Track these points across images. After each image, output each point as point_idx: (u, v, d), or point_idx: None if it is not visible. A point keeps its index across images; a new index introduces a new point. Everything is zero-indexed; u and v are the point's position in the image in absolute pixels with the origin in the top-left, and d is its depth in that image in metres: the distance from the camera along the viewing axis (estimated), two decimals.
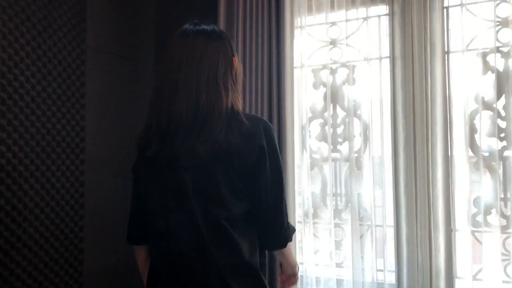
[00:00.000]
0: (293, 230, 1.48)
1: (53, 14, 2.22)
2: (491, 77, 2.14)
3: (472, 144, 2.15)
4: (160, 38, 2.87)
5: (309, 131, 2.51)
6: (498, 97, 2.13)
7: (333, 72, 2.45)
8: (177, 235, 1.36)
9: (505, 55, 2.12)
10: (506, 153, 2.11)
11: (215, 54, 1.36)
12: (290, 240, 1.47)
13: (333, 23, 2.46)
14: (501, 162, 2.11)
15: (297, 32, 2.48)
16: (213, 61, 1.36)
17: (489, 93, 2.14)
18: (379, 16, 2.36)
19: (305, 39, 2.50)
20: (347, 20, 2.41)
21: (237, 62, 1.44)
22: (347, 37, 2.43)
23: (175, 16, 2.83)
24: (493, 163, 2.11)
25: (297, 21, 2.48)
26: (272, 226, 1.41)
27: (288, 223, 1.45)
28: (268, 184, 1.38)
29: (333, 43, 2.46)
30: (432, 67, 2.18)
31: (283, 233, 1.43)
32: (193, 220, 1.33)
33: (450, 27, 2.24)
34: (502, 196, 2.11)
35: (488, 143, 2.14)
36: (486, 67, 2.15)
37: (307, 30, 2.49)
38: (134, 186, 1.52)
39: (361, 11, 2.39)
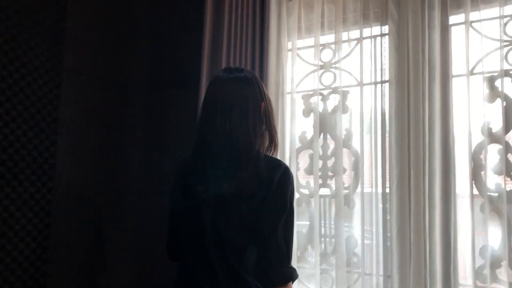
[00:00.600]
0: (296, 274, 1.47)
1: (27, 33, 2.12)
2: (499, 104, 1.84)
3: (478, 183, 1.84)
4: (147, 63, 2.73)
5: (298, 163, 2.26)
6: (508, 128, 1.82)
7: (324, 98, 2.21)
8: (193, 275, 1.47)
9: None
10: None
11: (245, 100, 1.48)
12: (292, 279, 1.45)
13: (324, 46, 2.23)
14: None
15: (286, 55, 2.26)
16: (244, 107, 1.47)
17: (497, 124, 1.83)
18: (373, 37, 2.11)
19: (294, 62, 2.28)
20: (336, 43, 2.17)
21: (266, 105, 1.52)
22: (338, 61, 2.19)
23: (162, 40, 2.69)
24: (502, 205, 1.78)
25: (286, 44, 2.26)
26: (276, 265, 1.43)
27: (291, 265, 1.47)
28: (278, 224, 1.43)
29: (324, 67, 2.23)
30: (430, 93, 1.90)
31: (284, 270, 1.44)
32: (209, 265, 1.44)
33: (452, 48, 1.96)
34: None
35: (496, 181, 1.81)
36: (494, 93, 1.85)
37: (296, 53, 2.28)
38: (168, 207, 1.62)
39: (354, 33, 2.16)
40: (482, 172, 1.84)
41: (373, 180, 2.03)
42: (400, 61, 1.97)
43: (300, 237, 2.18)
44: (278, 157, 2.13)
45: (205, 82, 2.22)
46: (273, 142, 1.56)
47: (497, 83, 1.85)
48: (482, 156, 1.85)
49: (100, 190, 2.46)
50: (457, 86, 1.92)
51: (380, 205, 1.98)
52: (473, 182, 1.84)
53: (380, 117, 2.03)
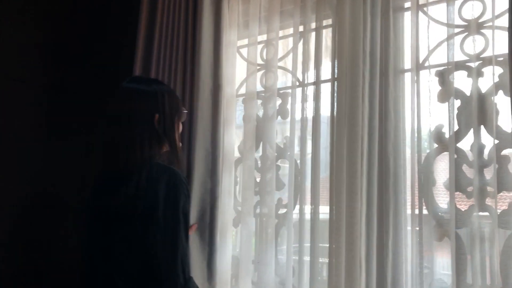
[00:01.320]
0: None
1: None
2: (454, 105, 1.49)
3: (428, 202, 1.48)
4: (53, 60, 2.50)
5: (236, 176, 1.97)
6: (463, 133, 1.47)
7: (265, 101, 1.92)
8: None
9: (473, 73, 1.47)
10: (474, 217, 1.41)
11: (134, 112, 1.45)
12: None
13: (264, 42, 1.95)
14: (470, 228, 1.42)
15: (223, 54, 1.98)
16: (132, 118, 1.44)
17: (451, 128, 1.48)
18: (314, 30, 1.79)
19: (234, 63, 2.00)
20: (271, 40, 1.88)
21: (163, 117, 1.46)
22: (281, 58, 1.91)
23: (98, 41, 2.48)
24: (457, 230, 1.42)
25: (222, 42, 1.98)
26: (166, 284, 1.31)
27: (186, 282, 1.32)
28: (161, 236, 1.32)
29: (264, 66, 1.94)
30: (371, 93, 1.57)
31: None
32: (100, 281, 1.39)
33: (399, 37, 1.63)
34: (471, 282, 1.40)
35: (448, 199, 1.46)
36: (446, 90, 1.50)
37: (236, 52, 2.00)
38: None
39: (295, 27, 1.86)
40: (434, 188, 1.49)
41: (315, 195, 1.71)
42: (340, 56, 1.66)
43: (236, 263, 1.88)
44: (209, 170, 1.88)
45: None
46: (174, 155, 1.50)
47: (451, 77, 1.50)
48: (434, 168, 1.50)
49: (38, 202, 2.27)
50: (403, 84, 1.58)
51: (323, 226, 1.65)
52: (420, 200, 1.49)
53: (320, 123, 1.71)
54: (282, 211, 1.81)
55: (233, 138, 1.95)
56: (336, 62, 1.67)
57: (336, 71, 1.66)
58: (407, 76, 1.58)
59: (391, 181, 1.48)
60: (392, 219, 1.46)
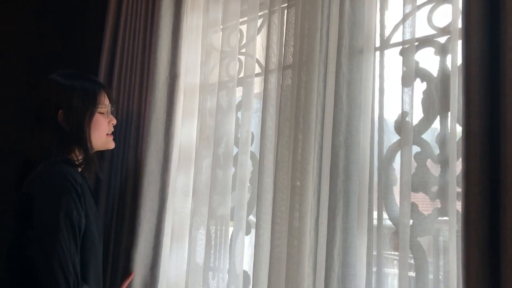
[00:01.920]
0: None
1: None
2: (419, 88, 1.25)
3: (388, 204, 1.25)
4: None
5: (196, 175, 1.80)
6: (429, 121, 1.22)
7: (229, 92, 1.74)
8: None
9: (442, 51, 1.22)
10: (439, 222, 1.17)
11: (39, 107, 1.44)
12: None
13: (228, 28, 1.76)
14: (432, 236, 1.18)
15: (183, 42, 1.81)
16: (37, 113, 1.43)
17: (417, 115, 1.24)
18: (278, 10, 1.59)
19: (196, 50, 1.83)
20: (231, 27, 1.70)
21: (69, 114, 1.40)
22: (244, 45, 1.72)
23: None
24: (418, 238, 1.18)
25: (182, 28, 1.81)
26: None
27: None
28: (36, 241, 1.23)
29: (229, 53, 1.75)
30: (325, 77, 1.36)
31: None
32: None
33: (355, 12, 1.40)
34: None
35: (412, 200, 1.21)
36: (411, 71, 1.26)
37: (195, 36, 1.83)
38: None
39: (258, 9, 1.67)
40: (395, 187, 1.25)
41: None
42: (299, 36, 1.45)
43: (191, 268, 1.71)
44: (161, 168, 1.72)
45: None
46: (85, 154, 1.43)
47: (419, 56, 1.26)
48: (394, 165, 1.26)
49: None
50: (363, 64, 1.35)
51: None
52: (383, 202, 1.26)
53: (280, 113, 1.50)
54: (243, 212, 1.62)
55: (193, 132, 1.78)
56: (293, 47, 1.47)
57: (291, 56, 1.46)
58: (367, 57, 1.35)
59: (340, 180, 1.25)
60: (340, 226, 1.23)
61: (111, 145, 1.54)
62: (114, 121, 1.54)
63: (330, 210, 1.24)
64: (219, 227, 1.68)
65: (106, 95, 1.51)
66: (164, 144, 1.70)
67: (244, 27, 1.74)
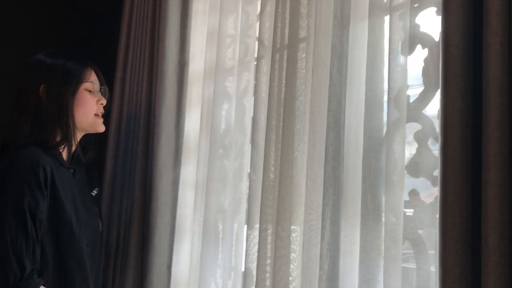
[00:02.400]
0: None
1: None
2: (420, 55, 1.07)
3: (388, 191, 1.08)
4: None
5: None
6: (429, 95, 1.04)
7: (239, 78, 1.63)
8: None
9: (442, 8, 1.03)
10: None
11: (18, 89, 1.39)
12: None
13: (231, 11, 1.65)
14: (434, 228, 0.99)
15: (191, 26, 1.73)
16: (16, 97, 1.38)
17: (416, 89, 1.06)
18: None
19: (200, 32, 1.74)
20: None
21: (49, 95, 1.34)
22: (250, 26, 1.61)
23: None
24: (416, 231, 1.00)
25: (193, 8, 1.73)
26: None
27: (21, 278, 1.16)
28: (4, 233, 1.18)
29: (237, 36, 1.65)
30: (307, 55, 1.21)
31: None
32: None
33: None
34: None
35: (411, 187, 1.04)
36: (412, 37, 1.08)
37: (200, 21, 1.74)
38: None
39: None
40: (394, 173, 1.08)
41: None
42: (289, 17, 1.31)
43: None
44: (173, 160, 1.65)
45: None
46: (66, 133, 1.35)
47: (420, 19, 1.08)
48: (395, 146, 1.09)
49: None
50: (359, 35, 1.18)
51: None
52: (378, 189, 1.09)
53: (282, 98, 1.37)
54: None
55: (197, 122, 1.69)
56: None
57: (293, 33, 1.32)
58: (363, 24, 1.18)
59: (330, 166, 1.09)
60: (329, 217, 1.08)
61: (100, 127, 1.44)
62: (104, 101, 1.45)
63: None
64: (221, 221, 1.58)
65: (94, 73, 1.43)
66: (175, 135, 1.63)
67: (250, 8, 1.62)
